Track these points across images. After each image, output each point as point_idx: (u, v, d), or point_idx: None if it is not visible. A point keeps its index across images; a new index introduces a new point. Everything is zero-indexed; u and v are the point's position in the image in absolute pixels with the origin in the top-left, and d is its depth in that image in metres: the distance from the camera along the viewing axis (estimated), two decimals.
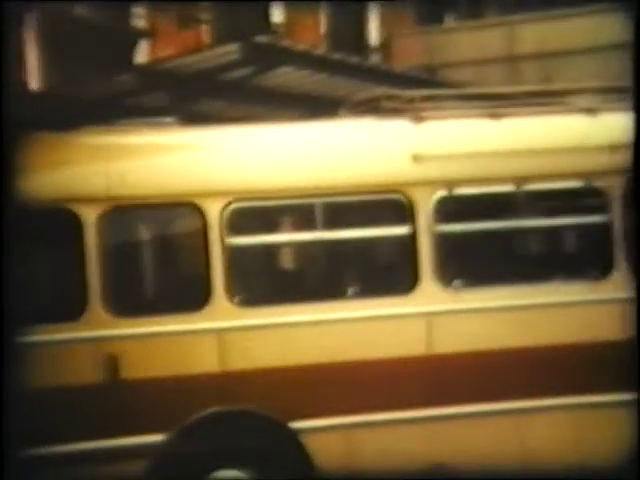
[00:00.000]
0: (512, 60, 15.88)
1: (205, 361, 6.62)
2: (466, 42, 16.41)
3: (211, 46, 10.77)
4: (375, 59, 16.11)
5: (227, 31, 11.83)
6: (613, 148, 7.08)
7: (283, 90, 10.35)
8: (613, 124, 7.20)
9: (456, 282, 6.96)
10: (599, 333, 7.02)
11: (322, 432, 6.71)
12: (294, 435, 6.69)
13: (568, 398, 6.93)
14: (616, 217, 7.09)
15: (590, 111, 7.26)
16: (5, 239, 5.50)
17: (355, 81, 10.47)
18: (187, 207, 6.70)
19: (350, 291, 6.96)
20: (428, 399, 6.87)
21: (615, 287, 7.05)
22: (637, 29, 6.14)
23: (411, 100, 7.23)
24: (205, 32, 12.39)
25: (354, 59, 11.02)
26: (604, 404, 6.97)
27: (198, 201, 6.69)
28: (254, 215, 6.98)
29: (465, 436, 6.89)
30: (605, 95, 7.73)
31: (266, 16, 13.59)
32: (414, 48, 16.51)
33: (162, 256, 7.08)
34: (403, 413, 6.81)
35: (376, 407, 6.78)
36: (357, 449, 6.80)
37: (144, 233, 7.11)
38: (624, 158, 7.11)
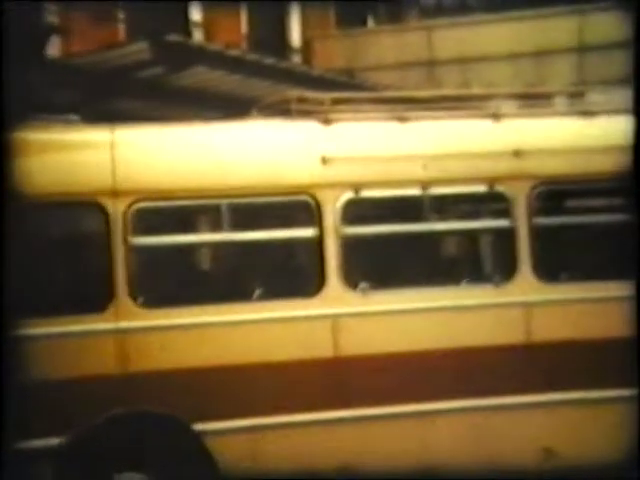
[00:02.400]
0: (431, 64, 16.03)
1: (107, 362, 6.54)
2: (387, 45, 16.52)
3: (123, 44, 10.65)
4: (296, 60, 16.10)
5: (143, 29, 11.69)
6: (517, 153, 7.16)
7: (197, 90, 10.28)
8: (517, 129, 7.29)
9: (363, 284, 6.97)
10: (503, 336, 7.09)
11: (227, 434, 6.67)
12: (198, 437, 6.65)
13: (470, 401, 6.99)
14: (520, 222, 7.16)
15: (495, 116, 7.32)
16: None
17: (271, 82, 10.44)
18: (90, 206, 6.62)
19: (256, 293, 6.93)
20: (334, 401, 6.87)
21: (518, 291, 7.12)
22: (637, 29, 6.18)
23: (321, 102, 7.23)
24: (121, 30, 12.25)
25: (269, 60, 10.97)
26: (508, 406, 7.04)
27: (101, 200, 6.61)
28: (160, 215, 6.92)
29: (370, 438, 6.91)
30: (519, 101, 7.81)
31: (185, 15, 13.47)
32: (335, 50, 16.56)
33: (65, 256, 6.96)
34: (309, 415, 6.80)
35: (282, 409, 6.77)
36: (262, 451, 6.77)
37: (46, 232, 6.99)
38: (529, 163, 7.22)
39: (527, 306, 7.10)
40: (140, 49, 9.21)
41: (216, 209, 6.85)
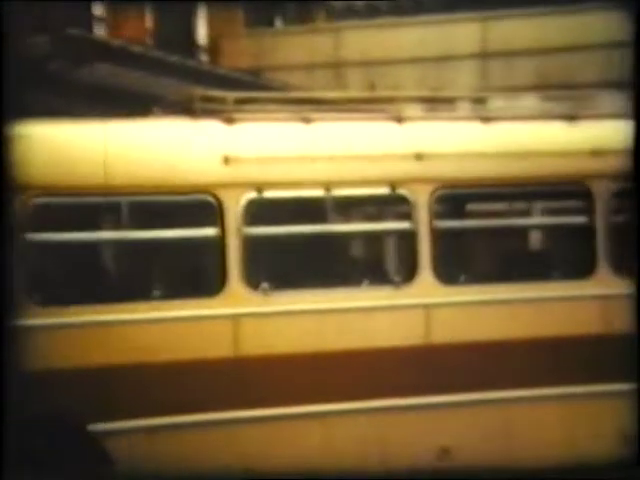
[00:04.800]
0: (338, 66, 16.09)
1: None
2: (295, 46, 16.54)
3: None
4: (203, 59, 15.97)
5: (44, 23, 11.45)
6: (419, 156, 7.21)
7: (99, 86, 10.10)
8: (420, 133, 7.34)
9: (264, 285, 6.96)
10: (402, 338, 7.15)
11: (124, 435, 6.59)
12: (94, 438, 6.55)
13: (370, 402, 7.03)
14: (421, 224, 7.21)
15: (398, 119, 7.36)
16: None
17: (175, 80, 10.34)
18: None
19: (157, 292, 6.86)
20: (234, 401, 6.85)
21: (418, 293, 7.18)
22: (637, 29, 6.22)
23: (224, 101, 7.19)
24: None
25: (174, 58, 10.86)
26: (407, 407, 7.09)
27: None
28: (59, 211, 6.80)
29: (272, 439, 6.89)
30: (423, 105, 7.88)
31: (88, 10, 13.24)
32: (243, 49, 16.50)
33: None
34: (209, 415, 6.77)
35: (181, 409, 6.71)
36: (161, 452, 6.71)
37: None
38: (430, 166, 7.28)
39: (427, 308, 7.17)
40: (40, 42, 9.02)
41: (115, 207, 6.76)
